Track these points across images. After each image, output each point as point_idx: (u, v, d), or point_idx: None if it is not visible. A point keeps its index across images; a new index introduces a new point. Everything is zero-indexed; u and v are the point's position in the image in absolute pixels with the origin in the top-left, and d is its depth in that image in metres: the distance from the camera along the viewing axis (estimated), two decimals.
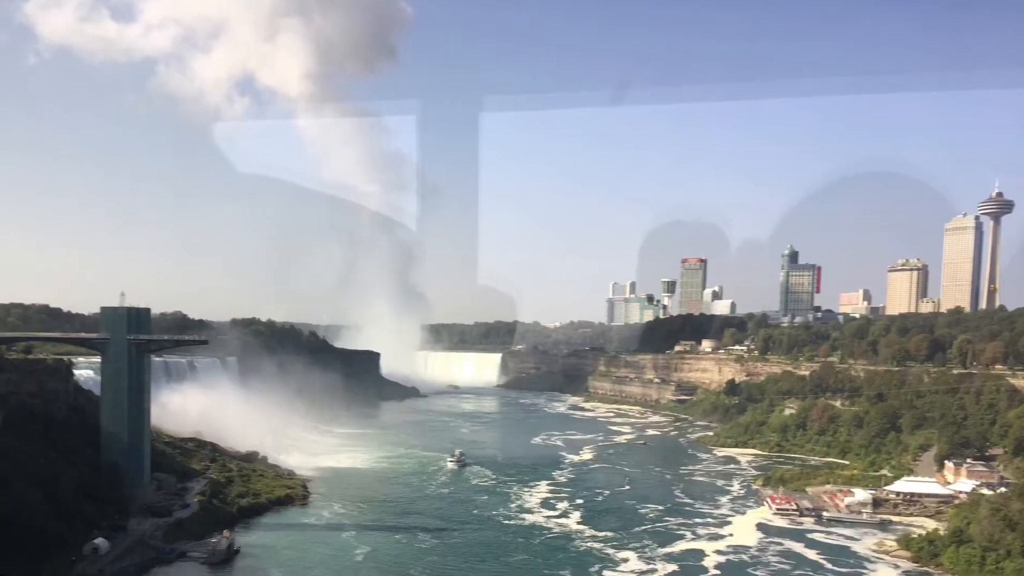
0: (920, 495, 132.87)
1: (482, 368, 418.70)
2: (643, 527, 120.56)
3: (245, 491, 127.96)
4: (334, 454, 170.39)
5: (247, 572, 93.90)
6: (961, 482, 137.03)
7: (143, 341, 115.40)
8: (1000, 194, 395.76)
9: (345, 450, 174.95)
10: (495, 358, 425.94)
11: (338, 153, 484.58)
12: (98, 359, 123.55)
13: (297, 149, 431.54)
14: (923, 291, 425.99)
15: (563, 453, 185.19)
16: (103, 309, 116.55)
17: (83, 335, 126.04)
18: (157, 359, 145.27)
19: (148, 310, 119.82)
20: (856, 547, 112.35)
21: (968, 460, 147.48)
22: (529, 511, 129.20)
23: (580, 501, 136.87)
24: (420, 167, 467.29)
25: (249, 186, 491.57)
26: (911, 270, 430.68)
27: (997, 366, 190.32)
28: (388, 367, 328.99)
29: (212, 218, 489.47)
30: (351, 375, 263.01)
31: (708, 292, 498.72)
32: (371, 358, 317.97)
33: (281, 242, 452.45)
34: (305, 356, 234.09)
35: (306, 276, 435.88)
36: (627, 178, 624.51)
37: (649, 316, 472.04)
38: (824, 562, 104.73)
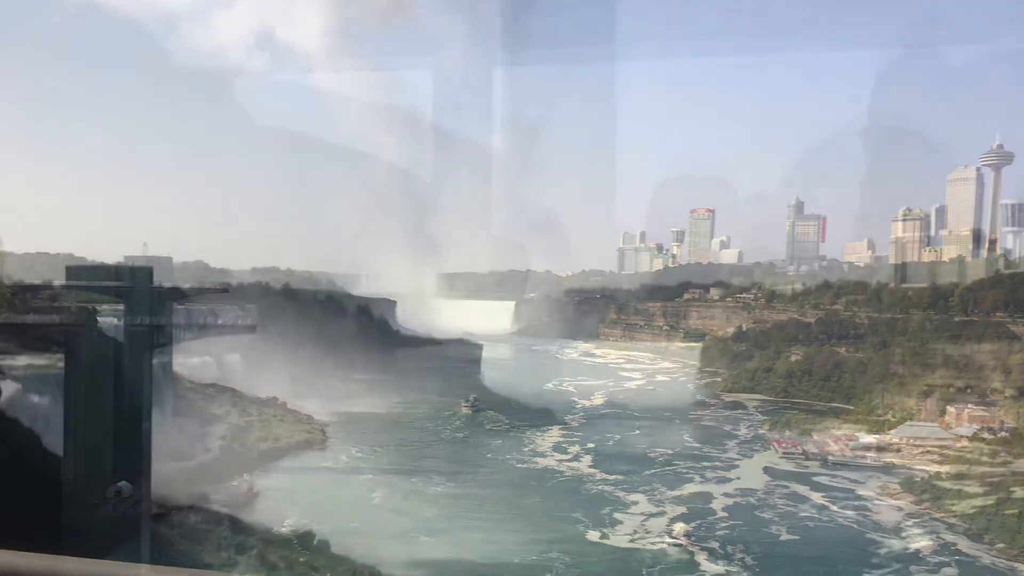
0: (923, 439, 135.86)
1: (496, 316, 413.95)
2: (652, 470, 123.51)
3: (265, 436, 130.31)
4: (351, 399, 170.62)
5: (267, 515, 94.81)
6: (963, 427, 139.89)
7: (166, 290, 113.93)
8: (1001, 146, 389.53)
9: (362, 396, 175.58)
10: (509, 306, 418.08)
11: (355, 106, 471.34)
12: (122, 307, 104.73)
13: (315, 102, 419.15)
14: (926, 241, 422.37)
15: (575, 399, 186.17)
16: (126, 259, 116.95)
17: (107, 283, 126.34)
18: (178, 307, 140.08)
19: (170, 259, 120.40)
20: (860, 490, 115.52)
21: (969, 405, 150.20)
22: (541, 455, 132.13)
23: (591, 445, 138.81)
24: (436, 118, 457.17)
25: (268, 139, 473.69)
26: (914, 220, 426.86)
27: (998, 313, 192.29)
28: (404, 315, 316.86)
29: (233, 170, 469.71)
30: (367, 323, 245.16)
31: (716, 242, 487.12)
32: (387, 306, 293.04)
33: (299, 192, 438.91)
34: (322, 304, 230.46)
35: (324, 225, 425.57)
36: (637, 129, 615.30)
37: (659, 265, 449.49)
38: (829, 504, 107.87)
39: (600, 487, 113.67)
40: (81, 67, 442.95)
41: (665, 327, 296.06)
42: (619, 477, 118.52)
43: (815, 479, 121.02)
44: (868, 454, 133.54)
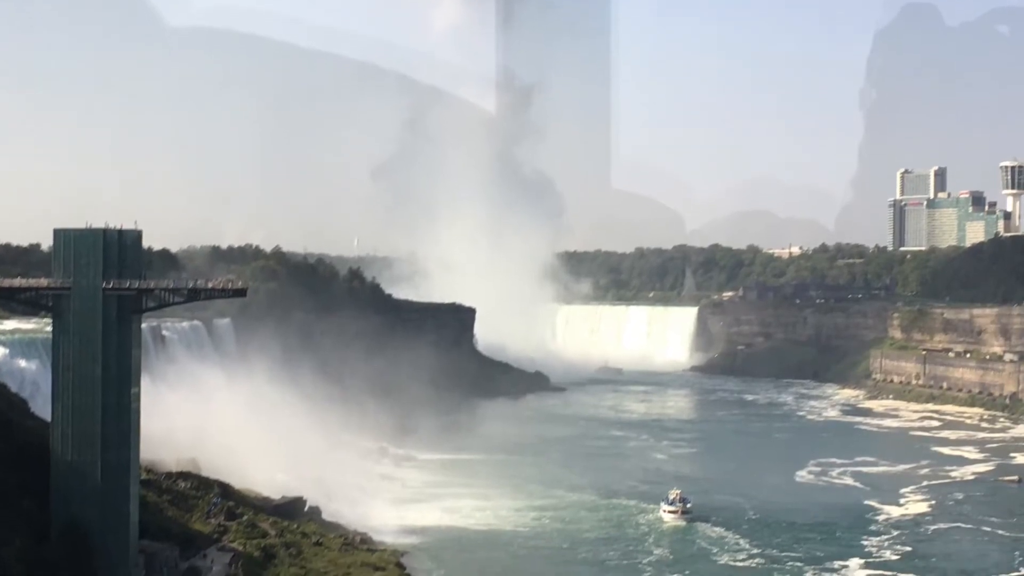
0: None
1: (661, 335, 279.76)
2: None
3: (302, 575, 75.12)
4: (431, 501, 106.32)
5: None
6: None
7: (133, 292, 66.74)
8: None
9: (449, 493, 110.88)
10: (686, 316, 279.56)
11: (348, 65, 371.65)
12: (32, 326, 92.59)
13: (305, 63, 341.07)
14: None
15: (866, 500, 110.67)
16: (57, 234, 68.18)
17: (18, 283, 74.58)
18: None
19: (139, 234, 69.28)
20: None
21: None
22: None
23: None
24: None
25: (255, 102, 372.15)
26: None
27: None
28: (489, 335, 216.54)
29: (223, 137, 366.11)
30: (426, 350, 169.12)
31: None
32: (460, 318, 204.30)
33: (285, 116, 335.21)
34: (344, 313, 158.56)
35: (328, 175, 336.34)
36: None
37: (979, 233, 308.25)
38: None
39: None
40: (56, 36, 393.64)
41: (1008, 354, 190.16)
42: None
43: None
44: None
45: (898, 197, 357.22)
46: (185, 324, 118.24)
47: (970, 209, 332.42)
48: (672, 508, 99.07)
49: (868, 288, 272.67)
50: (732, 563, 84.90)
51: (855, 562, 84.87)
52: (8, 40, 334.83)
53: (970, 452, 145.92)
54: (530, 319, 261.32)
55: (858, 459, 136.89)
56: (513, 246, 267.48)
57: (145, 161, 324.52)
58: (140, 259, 70.97)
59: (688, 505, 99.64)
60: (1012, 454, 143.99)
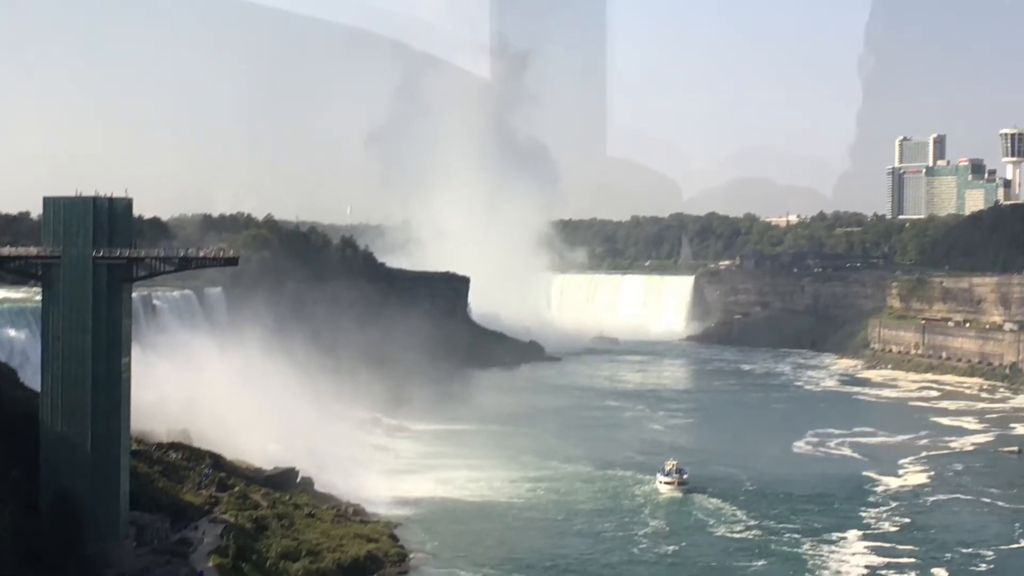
0: None
1: (657, 304, 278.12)
2: None
3: (294, 547, 75.11)
4: (424, 473, 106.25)
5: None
6: None
7: (123, 261, 66.93)
8: None
9: (443, 464, 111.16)
10: (682, 285, 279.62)
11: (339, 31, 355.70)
12: (22, 295, 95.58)
13: (296, 28, 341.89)
14: None
15: (864, 471, 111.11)
16: (46, 202, 67.91)
17: (7, 251, 73.61)
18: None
19: (129, 202, 68.82)
20: None
21: None
22: None
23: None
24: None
25: (248, 68, 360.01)
26: None
27: None
28: (483, 304, 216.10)
29: (213, 102, 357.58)
30: (420, 319, 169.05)
31: None
32: (454, 287, 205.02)
33: (278, 84, 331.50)
34: (337, 282, 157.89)
35: (321, 143, 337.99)
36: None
37: (979, 201, 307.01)
38: None
39: None
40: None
41: (1008, 323, 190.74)
42: None
43: None
44: None
45: (897, 165, 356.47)
46: (176, 293, 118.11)
47: (969, 177, 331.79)
48: (668, 479, 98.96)
49: (866, 257, 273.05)
50: (729, 534, 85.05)
51: (853, 533, 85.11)
52: None
53: (969, 422, 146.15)
54: (525, 288, 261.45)
55: (856, 429, 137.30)
56: (507, 214, 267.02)
57: (136, 128, 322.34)
58: (130, 227, 70.43)
59: (684, 476, 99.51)
60: (1012, 424, 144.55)
